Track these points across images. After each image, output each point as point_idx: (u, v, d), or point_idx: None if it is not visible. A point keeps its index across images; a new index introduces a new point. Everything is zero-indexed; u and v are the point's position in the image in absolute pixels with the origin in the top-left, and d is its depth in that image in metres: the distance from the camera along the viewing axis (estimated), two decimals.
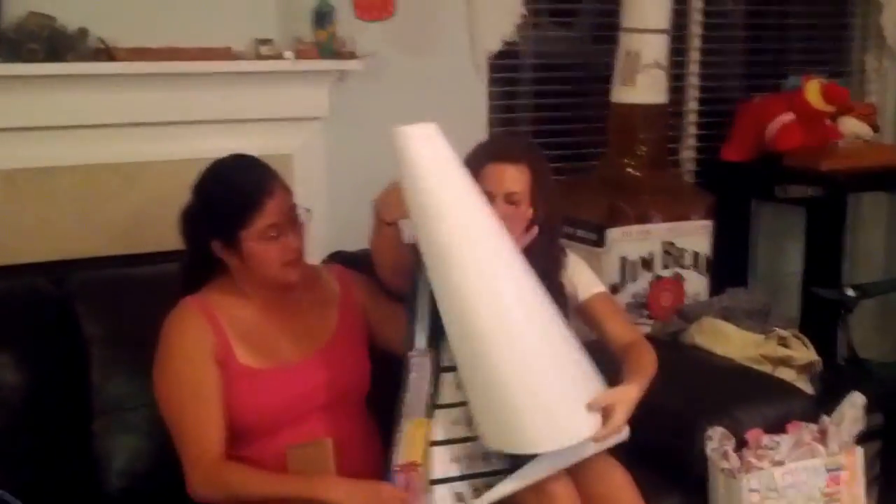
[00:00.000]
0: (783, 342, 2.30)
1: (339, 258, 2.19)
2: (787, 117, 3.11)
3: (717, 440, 1.78)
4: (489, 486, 1.64)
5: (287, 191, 1.74)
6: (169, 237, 1.82)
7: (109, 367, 1.95)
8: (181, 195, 1.77)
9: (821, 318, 2.91)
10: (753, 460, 1.71)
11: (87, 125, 2.31)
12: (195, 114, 2.42)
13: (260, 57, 2.48)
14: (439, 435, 1.70)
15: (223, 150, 1.81)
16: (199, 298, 1.76)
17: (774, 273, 3.42)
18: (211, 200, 1.74)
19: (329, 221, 2.44)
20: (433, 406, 1.70)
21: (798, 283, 3.18)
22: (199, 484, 1.66)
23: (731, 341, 2.27)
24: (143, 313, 1.88)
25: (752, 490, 1.71)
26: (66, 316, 1.99)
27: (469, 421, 1.69)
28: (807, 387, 2.27)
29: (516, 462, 1.64)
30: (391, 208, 1.72)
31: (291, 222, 1.72)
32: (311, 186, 2.40)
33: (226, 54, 2.44)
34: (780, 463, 1.73)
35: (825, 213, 3.04)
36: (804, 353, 2.30)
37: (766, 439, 1.74)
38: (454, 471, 1.68)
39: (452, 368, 1.71)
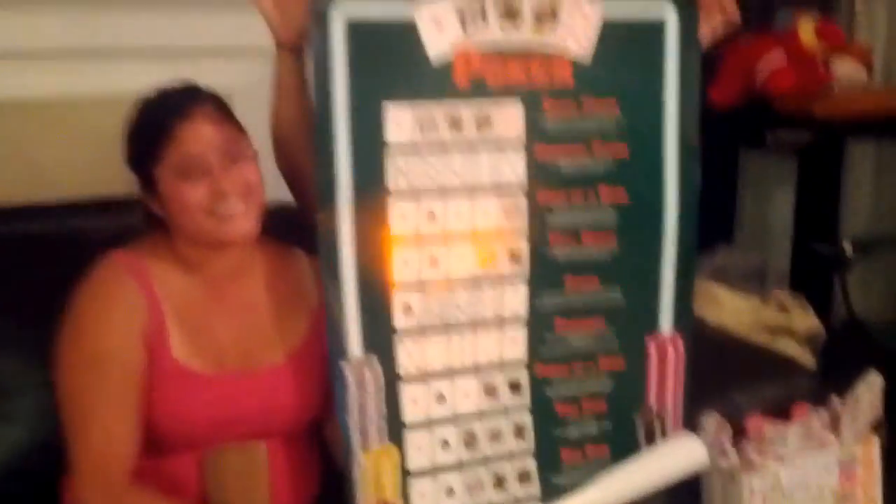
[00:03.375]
0: (783, 308, 2.01)
1: (280, 214, 1.84)
2: (779, 58, 2.84)
3: (712, 430, 1.50)
4: None
5: (221, 121, 1.37)
6: (64, 186, 1.49)
7: None
8: (84, 137, 1.44)
9: (814, 277, 2.65)
10: (756, 457, 1.43)
11: None
12: (109, 42, 2.04)
13: None
14: (420, 462, 1.37)
15: (138, 84, 1.48)
16: (131, 257, 1.38)
17: (762, 227, 3.15)
18: (126, 133, 1.39)
19: (272, 171, 2.10)
20: (399, 426, 1.36)
21: (788, 238, 2.92)
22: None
23: (723, 307, 1.97)
24: (32, 279, 1.57)
25: (753, 492, 1.43)
26: None
27: (472, 439, 1.39)
28: (808, 358, 1.99)
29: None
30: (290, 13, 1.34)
31: (227, 160, 1.34)
32: (253, 131, 2.06)
33: None
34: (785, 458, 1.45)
35: (820, 162, 2.77)
36: (807, 320, 2.02)
37: (770, 430, 1.46)
38: None
39: (418, 378, 1.36)
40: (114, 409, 1.30)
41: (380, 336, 1.34)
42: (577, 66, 1.42)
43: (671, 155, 1.49)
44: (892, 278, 3.23)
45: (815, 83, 2.85)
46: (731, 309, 1.97)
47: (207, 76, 2.04)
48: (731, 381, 1.69)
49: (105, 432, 1.30)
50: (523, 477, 1.44)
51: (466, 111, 1.38)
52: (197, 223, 1.34)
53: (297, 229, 1.49)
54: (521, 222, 1.42)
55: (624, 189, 1.47)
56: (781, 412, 1.60)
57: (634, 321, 1.50)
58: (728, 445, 1.47)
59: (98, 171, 1.53)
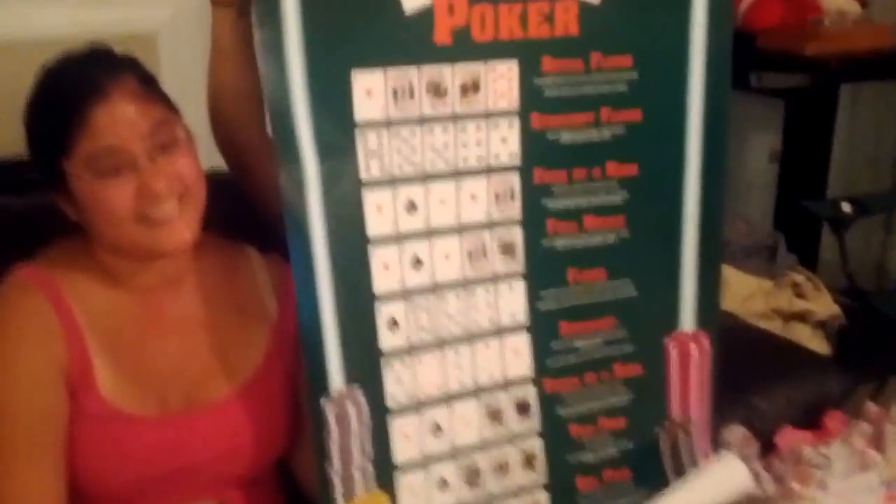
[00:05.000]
0: (798, 291, 1.79)
1: (211, 179, 1.54)
2: None
3: (737, 445, 1.28)
4: None
5: (146, 98, 1.07)
6: None
7: None
8: None
9: (801, 238, 2.43)
10: (796, 485, 1.22)
11: None
12: None
13: None
14: None
15: (58, 27, 1.19)
16: (43, 271, 1.10)
17: (742, 181, 2.93)
18: (27, 117, 1.09)
19: (202, 124, 1.81)
20: (389, 467, 1.13)
21: (770, 193, 2.72)
22: None
23: (731, 290, 1.73)
24: None
25: None
26: None
27: (474, 474, 1.17)
28: (822, 346, 1.78)
29: None
30: None
31: (155, 150, 1.06)
32: (181, 76, 1.74)
33: None
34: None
35: (812, 108, 2.54)
36: (826, 306, 1.80)
37: (810, 452, 1.25)
38: None
39: (410, 408, 1.13)
40: (32, 467, 1.05)
41: (364, 361, 1.11)
42: (584, 10, 1.18)
43: (695, 120, 1.25)
44: (886, 241, 3.03)
45: (801, 18, 2.63)
46: (739, 291, 1.74)
47: (129, 15, 1.78)
48: (748, 381, 1.46)
49: (21, 495, 1.05)
50: None
51: (449, 74, 1.13)
52: (123, 232, 1.06)
53: (232, 204, 1.21)
54: (515, 207, 1.19)
55: (636, 163, 1.24)
56: (807, 420, 1.41)
57: (651, 318, 1.28)
58: (759, 467, 1.26)
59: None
